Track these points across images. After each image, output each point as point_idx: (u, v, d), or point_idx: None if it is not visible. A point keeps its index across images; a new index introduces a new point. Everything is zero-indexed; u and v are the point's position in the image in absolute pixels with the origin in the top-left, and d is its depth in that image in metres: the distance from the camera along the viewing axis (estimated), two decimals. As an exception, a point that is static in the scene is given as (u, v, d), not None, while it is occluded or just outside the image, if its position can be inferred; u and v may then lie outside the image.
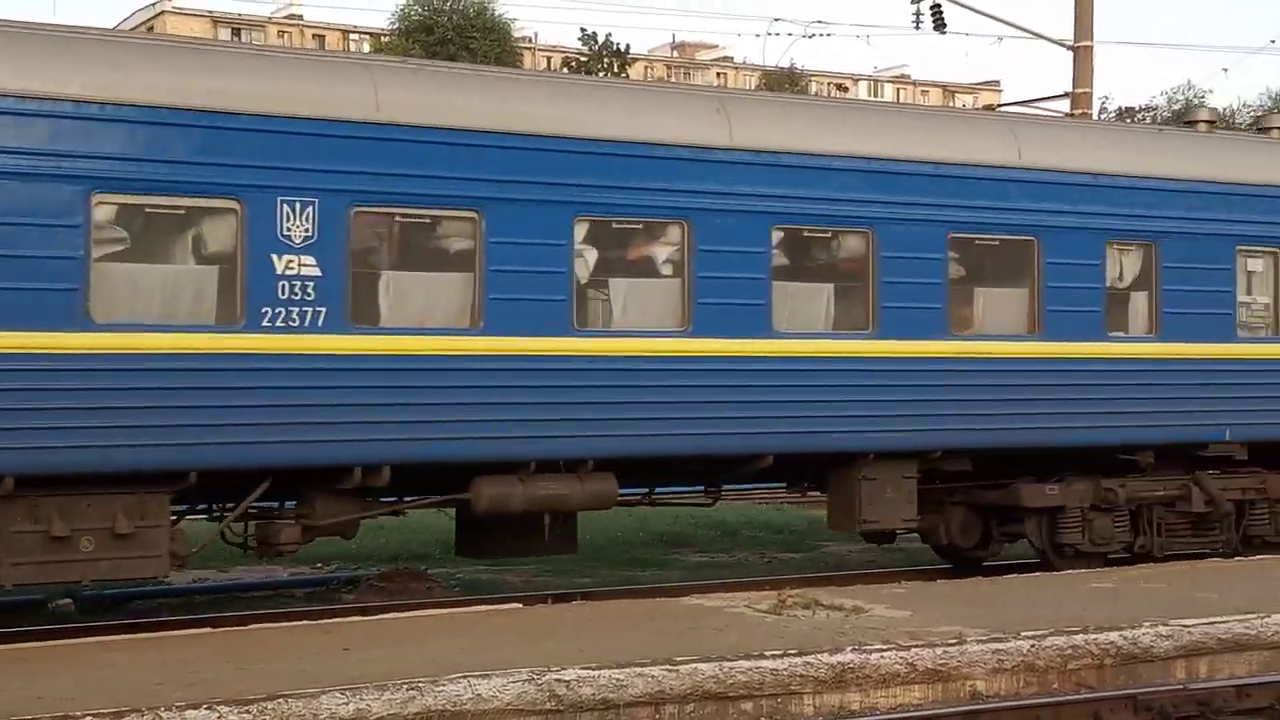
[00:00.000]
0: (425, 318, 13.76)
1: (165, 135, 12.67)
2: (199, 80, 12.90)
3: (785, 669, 11.18)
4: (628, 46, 44.57)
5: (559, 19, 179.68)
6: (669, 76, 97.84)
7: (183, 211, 12.91)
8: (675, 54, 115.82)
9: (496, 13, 56.67)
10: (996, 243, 16.70)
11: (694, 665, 10.98)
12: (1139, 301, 17.53)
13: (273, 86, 13.22)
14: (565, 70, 49.98)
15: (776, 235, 15.40)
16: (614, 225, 14.72)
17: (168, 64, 13.00)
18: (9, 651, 11.63)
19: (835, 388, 15.59)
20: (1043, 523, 17.52)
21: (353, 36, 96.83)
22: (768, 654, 11.35)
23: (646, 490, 16.23)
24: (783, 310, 15.40)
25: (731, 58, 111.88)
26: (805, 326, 15.59)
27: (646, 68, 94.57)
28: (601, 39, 44.04)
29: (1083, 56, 26.75)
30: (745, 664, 11.12)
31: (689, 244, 14.88)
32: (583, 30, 44.43)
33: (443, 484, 14.40)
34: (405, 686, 10.06)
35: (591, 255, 14.60)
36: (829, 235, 15.84)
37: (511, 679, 10.41)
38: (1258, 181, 18.18)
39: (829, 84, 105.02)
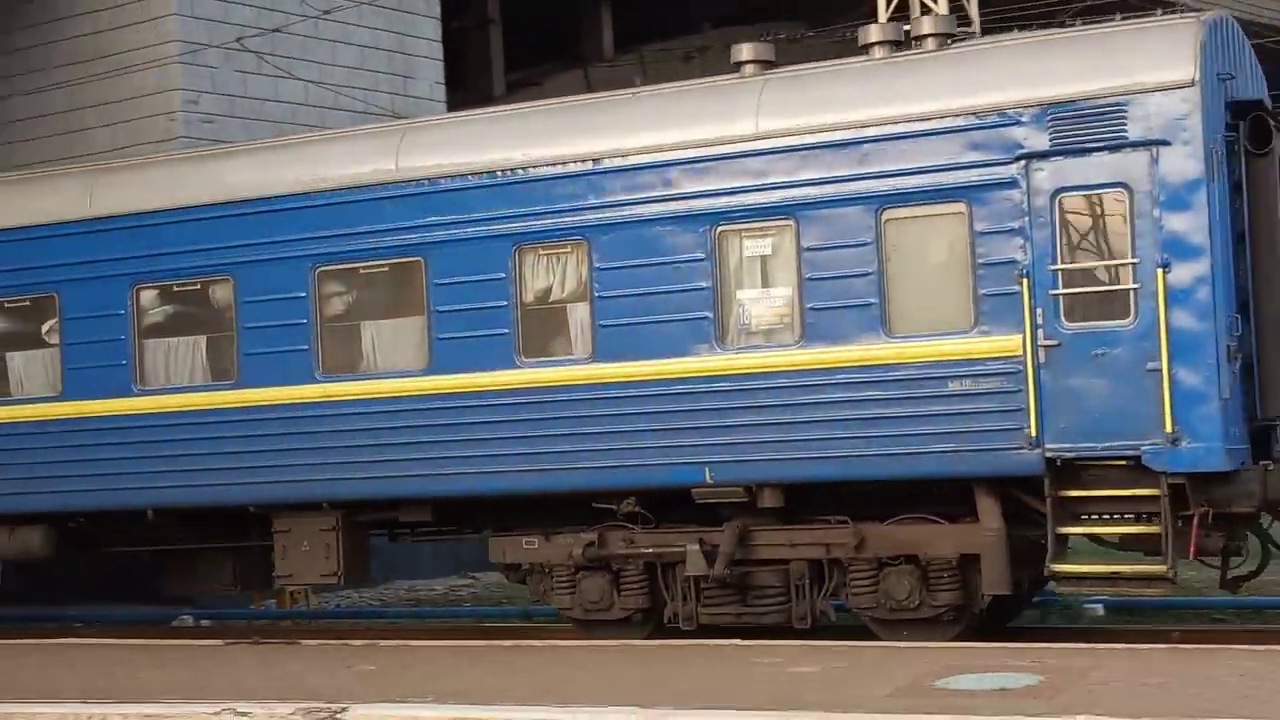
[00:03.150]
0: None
1: None
2: None
3: None
4: None
5: None
6: None
7: None
8: None
9: None
10: (385, 268, 14.79)
11: None
12: (576, 315, 14.06)
13: None
14: None
15: (143, 295, 15.70)
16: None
17: None
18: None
19: (207, 440, 15.41)
20: (547, 583, 14.73)
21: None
22: None
23: None
24: (155, 365, 15.65)
25: None
26: (186, 380, 15.59)
27: None
28: None
29: None
30: None
31: None
32: None
33: None
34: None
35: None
36: (196, 286, 15.56)
37: None
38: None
39: None
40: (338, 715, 10.78)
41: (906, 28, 14.11)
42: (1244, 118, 12.64)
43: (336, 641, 14.95)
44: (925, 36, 13.51)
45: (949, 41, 13.50)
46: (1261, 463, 12.40)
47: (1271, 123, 12.63)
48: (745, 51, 14.18)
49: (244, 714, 10.96)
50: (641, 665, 12.47)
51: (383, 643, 14.81)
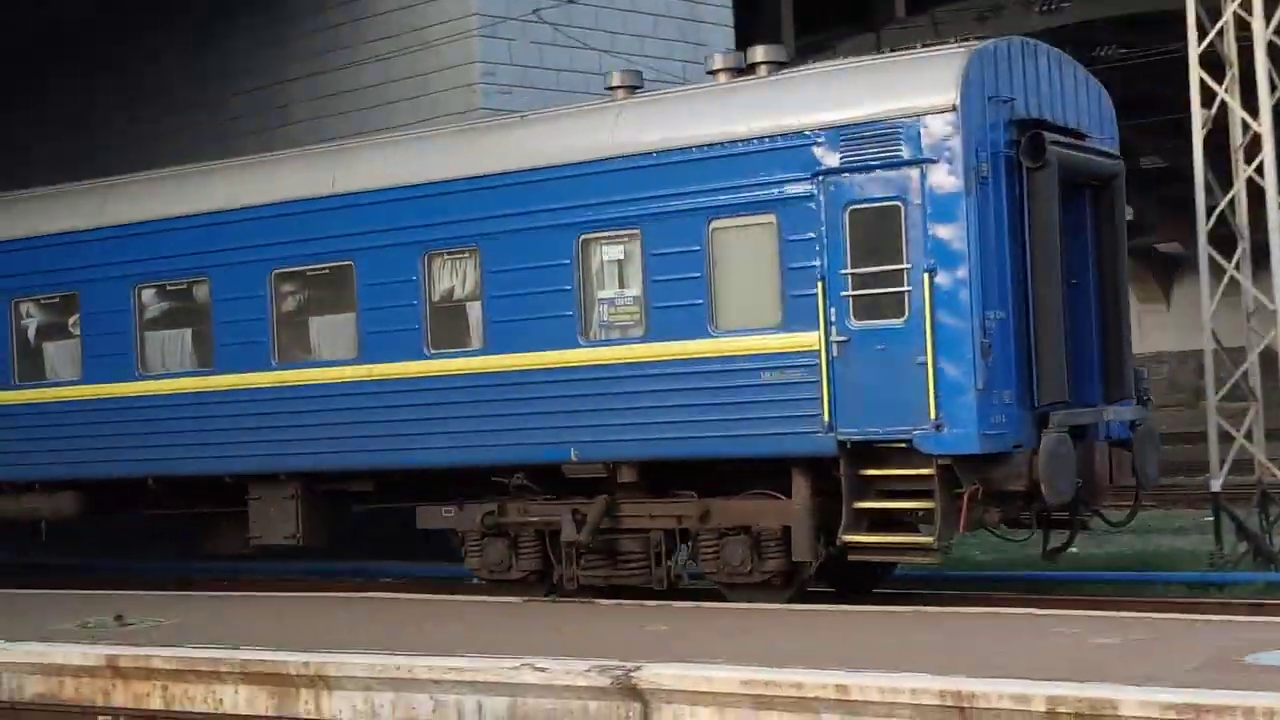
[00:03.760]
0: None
1: None
2: None
3: None
4: None
5: None
6: None
7: None
8: None
9: None
10: (326, 271, 16.98)
11: None
12: (473, 312, 16.03)
13: None
14: None
15: (143, 293, 18.21)
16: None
17: None
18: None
19: (191, 419, 17.86)
20: (467, 550, 16.76)
21: None
22: None
23: None
24: (153, 354, 18.17)
25: None
26: (176, 367, 18.08)
27: None
28: None
29: None
30: None
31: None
32: None
33: None
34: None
35: None
36: (183, 286, 17.99)
37: None
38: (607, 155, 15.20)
39: None
40: (631, 674, 10.95)
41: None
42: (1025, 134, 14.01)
43: (630, 601, 15.17)
44: (759, 64, 15.13)
45: (780, 69, 15.10)
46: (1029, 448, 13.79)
47: (1047, 138, 13.93)
48: (615, 78, 16.00)
49: (541, 669, 11.35)
50: (936, 631, 12.64)
51: (675, 604, 14.93)
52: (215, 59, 25.74)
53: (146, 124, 26.26)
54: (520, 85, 22.10)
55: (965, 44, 14.08)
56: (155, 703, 13.01)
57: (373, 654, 12.37)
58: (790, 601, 14.83)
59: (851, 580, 15.89)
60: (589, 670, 11.15)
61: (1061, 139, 14.26)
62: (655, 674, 10.94)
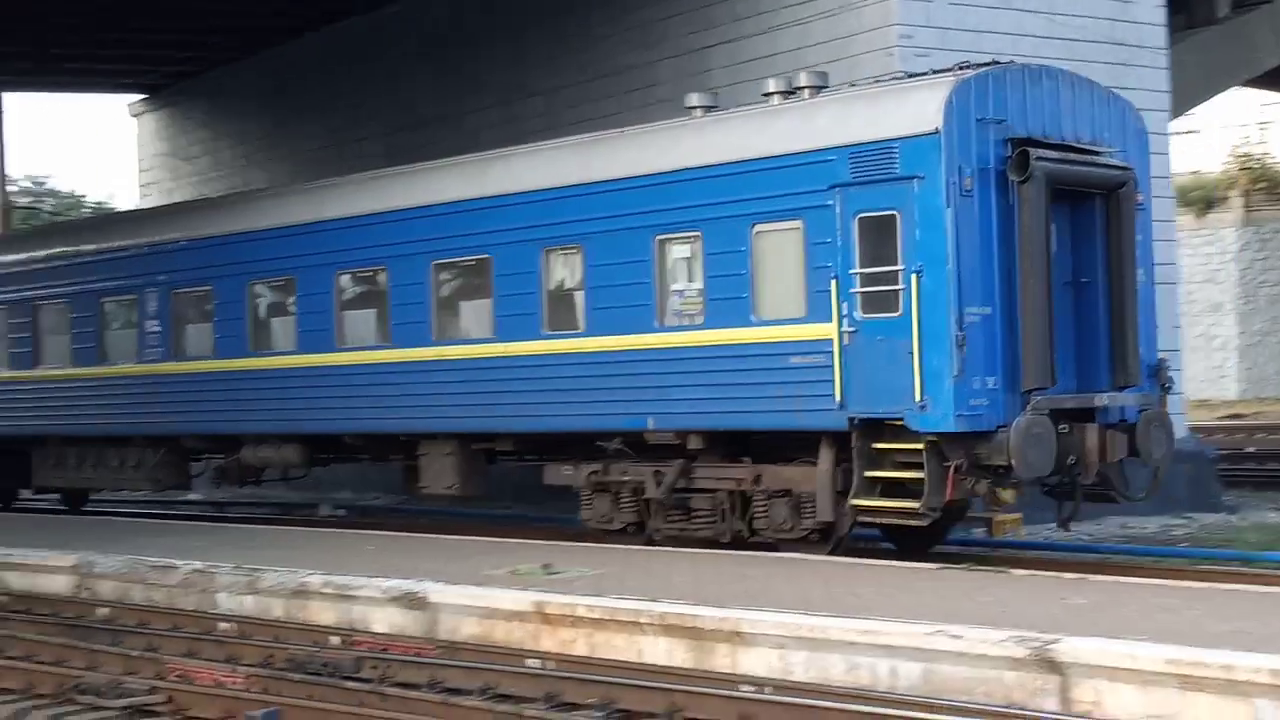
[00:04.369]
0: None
1: None
2: None
3: None
4: None
5: None
6: None
7: None
8: None
9: None
10: (472, 263, 19.91)
11: None
12: (578, 300, 18.68)
13: None
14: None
15: (341, 279, 21.57)
16: None
17: None
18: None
19: (375, 386, 21.15)
20: (582, 503, 19.45)
21: None
22: None
23: None
24: (348, 329, 21.55)
25: None
26: (363, 341, 21.39)
27: None
28: None
29: None
30: None
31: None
32: None
33: None
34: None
35: None
36: (369, 274, 21.25)
37: None
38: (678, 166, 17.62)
39: None
40: (1050, 646, 10.77)
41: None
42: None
43: (1046, 573, 15.16)
44: (803, 88, 17.30)
45: (819, 91, 17.24)
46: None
47: (1034, 154, 15.67)
48: (694, 99, 18.41)
49: (956, 636, 11.27)
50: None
51: (1093, 577, 14.73)
52: (640, 28, 26.82)
53: (570, 92, 28.16)
54: (939, 48, 21.52)
55: (957, 73, 15.94)
56: (580, 649, 13.38)
57: (787, 613, 12.44)
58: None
59: (906, 541, 17.99)
60: (1005, 640, 11.05)
61: (1055, 154, 15.96)
62: (1075, 647, 10.74)
